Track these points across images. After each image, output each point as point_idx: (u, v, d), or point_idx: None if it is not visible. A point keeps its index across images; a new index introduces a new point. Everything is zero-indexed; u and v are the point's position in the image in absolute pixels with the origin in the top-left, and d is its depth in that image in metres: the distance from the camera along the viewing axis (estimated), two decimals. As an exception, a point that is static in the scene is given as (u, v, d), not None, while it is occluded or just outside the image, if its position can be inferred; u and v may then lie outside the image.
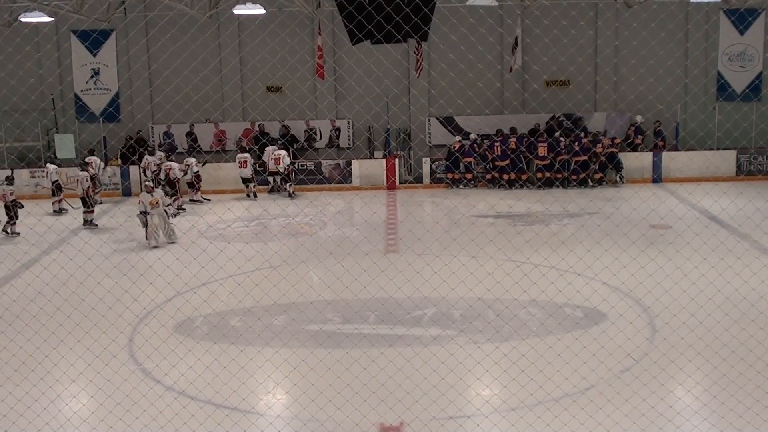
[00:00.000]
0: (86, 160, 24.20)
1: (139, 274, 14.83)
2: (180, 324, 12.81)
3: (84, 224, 21.53)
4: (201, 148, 27.56)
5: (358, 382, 9.97)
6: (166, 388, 10.28)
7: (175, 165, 24.16)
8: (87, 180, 21.90)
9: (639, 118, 27.35)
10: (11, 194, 20.68)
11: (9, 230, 20.61)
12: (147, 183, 20.13)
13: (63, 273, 13.55)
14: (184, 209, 23.81)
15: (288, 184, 25.74)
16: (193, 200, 25.06)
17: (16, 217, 20.65)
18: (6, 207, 20.58)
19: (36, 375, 10.55)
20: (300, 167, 26.79)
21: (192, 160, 25.24)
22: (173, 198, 23.23)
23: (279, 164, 25.59)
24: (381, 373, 10.15)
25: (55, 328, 11.50)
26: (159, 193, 19.27)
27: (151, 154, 25.68)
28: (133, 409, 9.38)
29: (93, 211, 21.83)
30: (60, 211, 23.68)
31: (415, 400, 9.45)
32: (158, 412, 9.26)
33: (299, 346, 11.60)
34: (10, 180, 21.23)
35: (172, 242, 18.92)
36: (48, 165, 24.42)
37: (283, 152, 25.93)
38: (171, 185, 23.68)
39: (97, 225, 21.63)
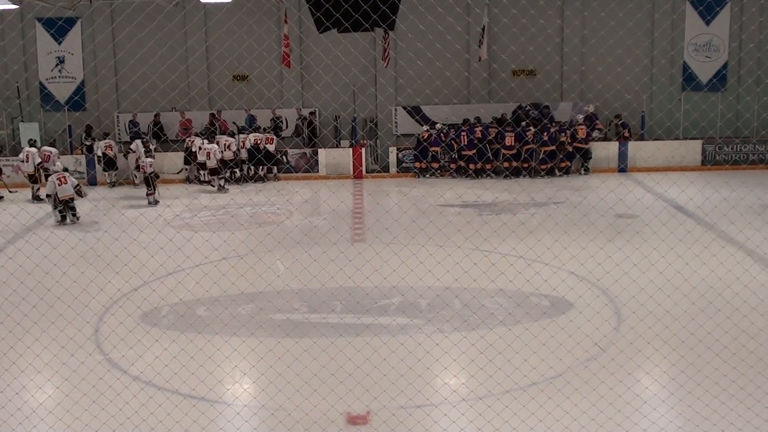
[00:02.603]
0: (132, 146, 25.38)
1: (105, 263, 14.69)
2: (146, 314, 12.73)
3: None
4: (167, 137, 27.37)
5: (325, 371, 9.95)
6: (132, 378, 10.21)
7: (260, 135, 26.18)
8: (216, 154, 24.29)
9: (590, 108, 27.39)
10: (150, 166, 22.67)
11: (151, 199, 22.49)
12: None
13: (28, 263, 13.41)
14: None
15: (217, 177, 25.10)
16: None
17: (155, 188, 22.62)
18: (145, 178, 22.53)
19: (1, 366, 10.45)
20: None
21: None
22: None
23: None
24: (348, 363, 10.12)
25: (20, 318, 11.37)
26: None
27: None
28: (99, 399, 9.29)
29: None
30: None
31: (382, 389, 9.44)
32: (125, 403, 9.17)
33: (266, 336, 11.55)
34: (149, 152, 22.64)
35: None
36: (136, 142, 25.12)
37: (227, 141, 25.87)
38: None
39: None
